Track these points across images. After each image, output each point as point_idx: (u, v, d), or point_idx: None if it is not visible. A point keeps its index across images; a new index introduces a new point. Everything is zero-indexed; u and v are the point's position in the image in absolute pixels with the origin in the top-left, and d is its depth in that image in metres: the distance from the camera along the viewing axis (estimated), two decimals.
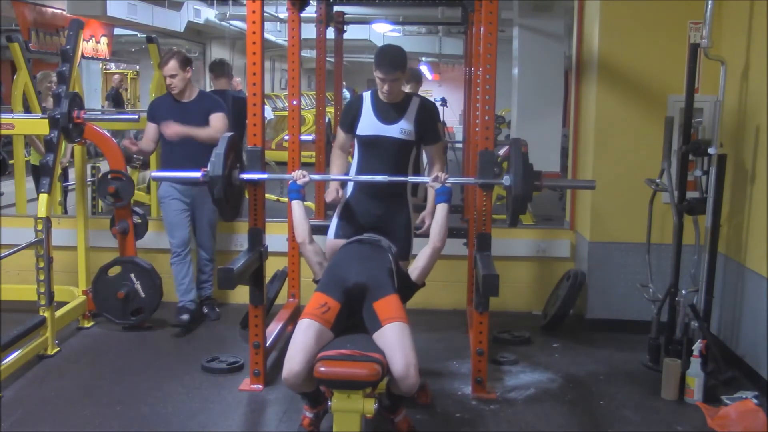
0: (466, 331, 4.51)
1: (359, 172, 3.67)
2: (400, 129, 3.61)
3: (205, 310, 4.99)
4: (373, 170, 3.62)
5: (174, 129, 4.63)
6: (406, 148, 3.67)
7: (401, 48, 3.60)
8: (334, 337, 3.05)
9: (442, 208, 3.43)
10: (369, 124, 3.64)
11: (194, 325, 4.76)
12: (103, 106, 13.57)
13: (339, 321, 3.08)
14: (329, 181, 3.83)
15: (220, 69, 6.14)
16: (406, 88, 6.25)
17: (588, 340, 4.72)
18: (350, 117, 3.70)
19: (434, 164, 3.77)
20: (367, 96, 3.70)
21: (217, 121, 4.73)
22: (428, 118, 3.69)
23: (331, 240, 3.68)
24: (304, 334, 2.98)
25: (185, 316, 4.69)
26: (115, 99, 13.97)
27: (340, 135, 3.79)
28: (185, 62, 4.72)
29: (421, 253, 3.39)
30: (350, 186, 3.72)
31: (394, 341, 2.94)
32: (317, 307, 3.06)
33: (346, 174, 3.80)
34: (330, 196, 3.72)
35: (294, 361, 2.92)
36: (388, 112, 3.62)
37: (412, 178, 3.58)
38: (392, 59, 3.48)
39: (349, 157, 3.92)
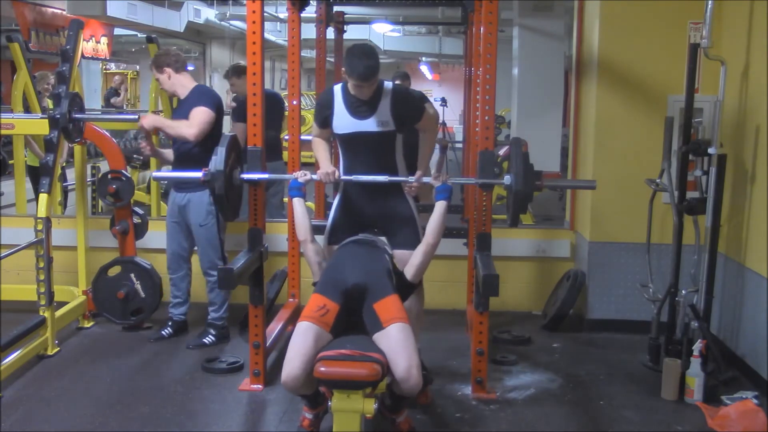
0: (466, 331, 4.52)
1: (346, 170, 3.61)
2: (376, 121, 3.50)
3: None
4: (358, 167, 3.56)
5: (148, 120, 4.32)
6: (388, 138, 3.57)
7: (373, 50, 3.46)
8: (333, 339, 3.03)
9: (440, 206, 3.42)
10: (344, 122, 3.55)
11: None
12: (102, 106, 13.56)
13: (338, 323, 3.06)
14: (321, 162, 3.66)
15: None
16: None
17: (588, 340, 4.73)
18: (323, 115, 3.61)
19: (422, 143, 3.72)
20: (338, 90, 3.57)
21: (195, 115, 4.24)
22: (404, 102, 3.57)
23: (328, 245, 3.66)
24: (303, 338, 2.97)
25: (165, 331, 4.58)
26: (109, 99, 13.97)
27: (316, 128, 3.71)
28: (162, 63, 4.42)
29: (416, 251, 3.36)
30: (341, 184, 3.66)
31: (396, 343, 2.93)
32: (316, 310, 3.05)
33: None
34: (324, 177, 3.53)
35: (292, 364, 2.92)
36: (361, 106, 3.51)
37: (412, 178, 3.56)
38: (368, 67, 3.33)
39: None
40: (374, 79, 3.40)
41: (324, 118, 3.62)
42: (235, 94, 5.87)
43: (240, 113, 5.27)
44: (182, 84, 4.45)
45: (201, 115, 4.24)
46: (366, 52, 3.38)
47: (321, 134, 3.73)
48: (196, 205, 4.37)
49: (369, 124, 3.52)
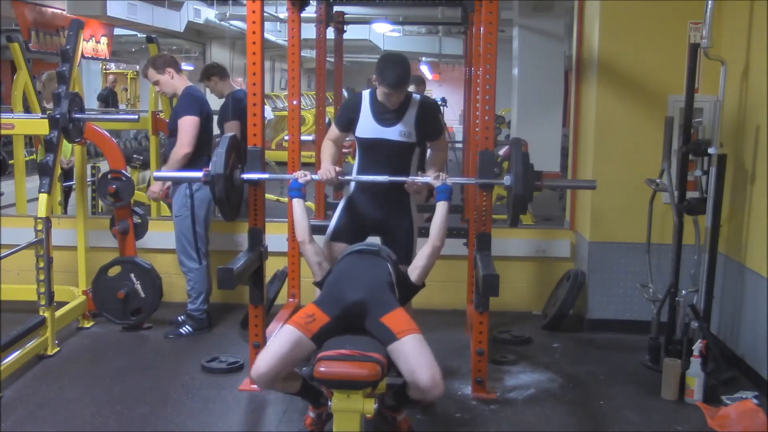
0: (466, 331, 4.52)
1: (360, 173, 3.66)
2: (399, 131, 3.57)
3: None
4: (373, 172, 3.60)
5: (153, 192, 4.85)
6: (407, 149, 3.62)
7: (405, 59, 3.52)
8: (316, 347, 2.98)
9: (442, 207, 3.42)
10: (368, 126, 3.60)
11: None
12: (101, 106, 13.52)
13: (323, 332, 3.00)
14: (323, 162, 3.68)
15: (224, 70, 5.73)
16: (410, 89, 6.26)
17: (588, 340, 4.73)
18: (348, 117, 3.66)
19: (434, 155, 3.77)
20: (365, 96, 3.65)
21: (180, 128, 4.46)
22: (429, 118, 3.64)
23: (329, 242, 3.67)
24: (281, 339, 2.96)
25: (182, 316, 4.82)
26: (106, 99, 13.91)
27: (334, 131, 3.73)
28: (162, 64, 4.60)
29: (420, 253, 3.36)
30: (351, 186, 3.72)
31: (416, 353, 2.90)
32: (303, 317, 3.02)
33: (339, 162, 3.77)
34: (325, 174, 3.54)
35: (260, 362, 2.91)
36: (387, 113, 3.57)
37: (411, 178, 3.57)
38: (399, 77, 3.39)
39: (350, 158, 3.88)
40: (404, 88, 3.47)
41: (349, 121, 3.65)
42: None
43: (233, 112, 5.28)
44: (175, 85, 4.66)
45: (184, 126, 4.47)
46: (397, 60, 3.47)
47: (336, 139, 3.73)
48: (176, 198, 4.57)
49: (392, 133, 3.57)
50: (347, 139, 3.89)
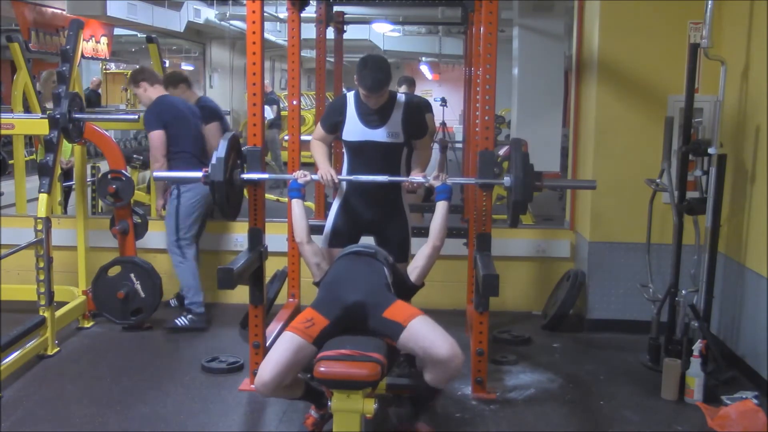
0: (466, 331, 4.52)
1: (350, 176, 3.65)
2: (386, 132, 3.56)
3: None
4: (363, 174, 3.60)
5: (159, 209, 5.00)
6: (395, 150, 3.62)
7: (385, 61, 3.51)
8: (317, 350, 2.98)
9: (442, 206, 3.42)
10: (354, 129, 3.59)
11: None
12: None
13: (324, 336, 3.00)
14: (320, 163, 3.69)
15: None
16: (401, 89, 6.26)
17: (588, 340, 4.73)
18: (333, 120, 3.65)
19: (417, 153, 3.75)
20: (350, 97, 3.63)
21: (150, 143, 4.68)
22: (415, 118, 3.64)
23: (325, 249, 3.67)
24: (282, 347, 2.95)
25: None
26: (88, 99, 13.86)
27: (320, 131, 3.74)
28: (136, 79, 4.83)
29: (420, 253, 3.37)
30: (343, 185, 3.69)
31: (426, 331, 2.90)
32: (302, 322, 3.01)
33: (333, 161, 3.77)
34: (325, 175, 3.55)
35: (264, 371, 2.90)
36: (373, 115, 3.56)
37: (411, 179, 3.58)
38: (376, 80, 3.39)
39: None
40: (382, 91, 3.46)
41: (334, 124, 3.65)
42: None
43: (209, 116, 5.25)
44: (150, 96, 4.82)
45: (152, 142, 4.68)
46: (377, 63, 3.45)
47: (324, 138, 3.75)
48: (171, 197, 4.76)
49: (379, 134, 3.57)
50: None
